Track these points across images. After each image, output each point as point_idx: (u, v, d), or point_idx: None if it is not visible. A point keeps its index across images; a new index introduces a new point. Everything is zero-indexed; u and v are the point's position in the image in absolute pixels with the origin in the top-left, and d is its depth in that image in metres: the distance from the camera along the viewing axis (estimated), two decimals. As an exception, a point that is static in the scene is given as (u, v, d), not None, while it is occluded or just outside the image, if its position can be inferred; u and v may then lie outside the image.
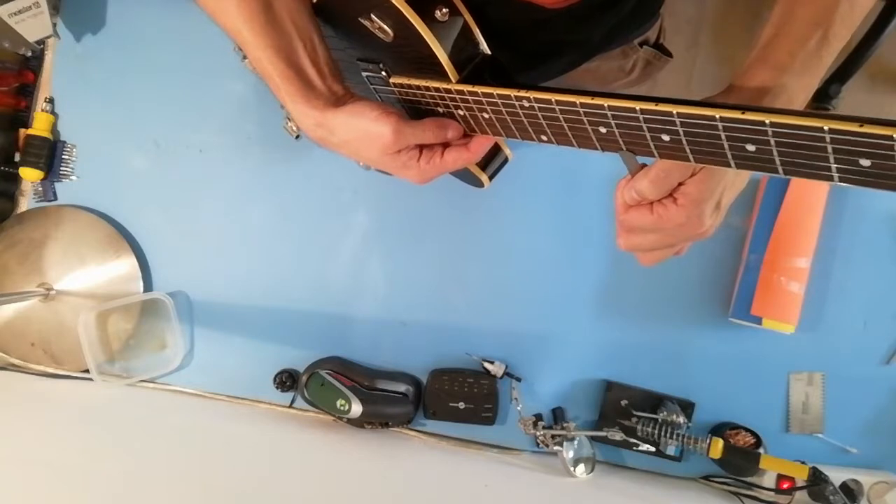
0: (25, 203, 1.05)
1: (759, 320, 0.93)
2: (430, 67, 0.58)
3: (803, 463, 0.90)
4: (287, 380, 1.01)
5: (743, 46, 1.27)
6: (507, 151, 0.72)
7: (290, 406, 1.03)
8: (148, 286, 1.04)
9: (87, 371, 1.00)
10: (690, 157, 0.43)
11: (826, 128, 0.34)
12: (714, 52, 1.30)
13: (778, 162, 0.39)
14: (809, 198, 0.94)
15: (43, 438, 0.86)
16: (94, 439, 0.89)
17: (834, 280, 0.98)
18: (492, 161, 0.72)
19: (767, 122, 0.37)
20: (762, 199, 0.95)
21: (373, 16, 0.56)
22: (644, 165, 0.51)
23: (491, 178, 0.73)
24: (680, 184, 0.52)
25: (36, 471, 0.75)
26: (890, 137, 0.32)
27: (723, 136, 0.39)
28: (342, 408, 0.96)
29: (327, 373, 0.98)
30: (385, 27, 0.57)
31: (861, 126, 0.33)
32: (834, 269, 0.97)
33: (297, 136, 0.98)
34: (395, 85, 0.63)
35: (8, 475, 0.74)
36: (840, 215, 0.97)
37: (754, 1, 1.34)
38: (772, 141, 0.38)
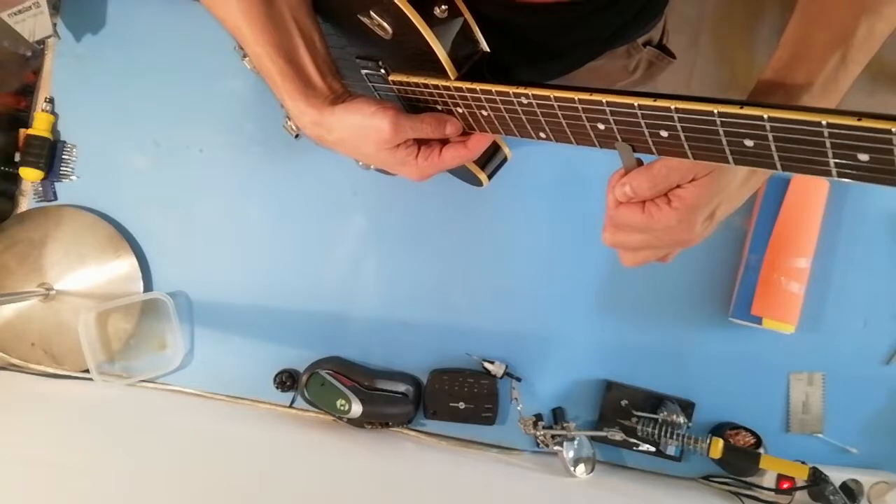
0: (25, 203, 1.04)
1: (759, 320, 0.93)
2: (429, 65, 0.58)
3: (803, 463, 0.90)
4: (287, 380, 1.01)
5: (743, 47, 1.27)
6: (507, 150, 0.72)
7: (290, 406, 1.03)
8: (148, 286, 1.03)
9: (87, 371, 1.00)
10: (689, 153, 0.43)
11: (824, 122, 0.34)
12: (714, 53, 1.29)
13: (776, 157, 0.39)
14: (809, 198, 0.94)
15: (43, 438, 0.86)
16: (94, 439, 0.88)
17: (834, 280, 0.98)
18: (491, 160, 0.72)
19: (765, 116, 0.37)
20: (762, 199, 0.95)
21: (372, 13, 0.56)
22: (640, 162, 0.51)
23: (490, 176, 0.73)
24: (677, 186, 0.51)
25: (36, 471, 0.75)
26: (888, 131, 0.32)
27: (721, 131, 0.39)
28: (342, 408, 0.95)
29: (327, 373, 0.97)
30: (384, 24, 0.57)
31: (859, 120, 0.33)
32: (834, 269, 0.97)
33: (297, 136, 0.99)
34: (394, 83, 0.63)
35: (8, 475, 0.74)
36: (840, 215, 0.97)
37: (754, 1, 1.34)
38: (770, 136, 0.38)
